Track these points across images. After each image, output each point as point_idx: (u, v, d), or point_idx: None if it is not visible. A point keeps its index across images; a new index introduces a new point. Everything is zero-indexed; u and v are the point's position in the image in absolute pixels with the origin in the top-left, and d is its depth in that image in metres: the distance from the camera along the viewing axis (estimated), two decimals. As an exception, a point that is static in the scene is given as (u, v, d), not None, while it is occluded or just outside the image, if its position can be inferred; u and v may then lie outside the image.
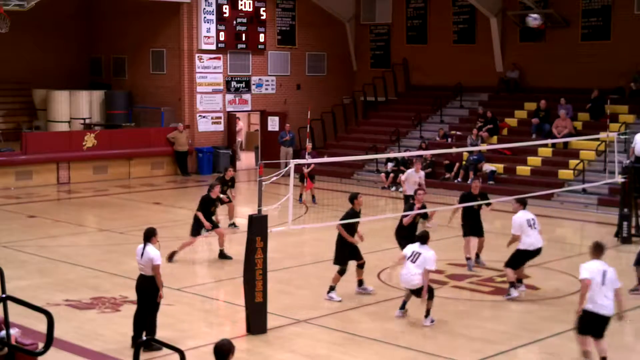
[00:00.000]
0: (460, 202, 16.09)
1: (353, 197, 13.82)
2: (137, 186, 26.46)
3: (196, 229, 16.30)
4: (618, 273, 15.63)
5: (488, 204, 16.16)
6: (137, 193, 25.24)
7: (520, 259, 13.86)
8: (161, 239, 16.68)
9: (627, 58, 26.34)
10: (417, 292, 12.46)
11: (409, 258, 12.45)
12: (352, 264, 13.87)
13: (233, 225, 19.21)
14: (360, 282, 13.96)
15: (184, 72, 29.04)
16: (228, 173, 19.17)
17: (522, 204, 14.00)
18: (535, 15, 19.95)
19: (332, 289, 13.66)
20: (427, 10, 31.43)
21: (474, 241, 15.96)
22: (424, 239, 12.61)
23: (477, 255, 16.15)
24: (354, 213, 13.68)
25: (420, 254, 12.38)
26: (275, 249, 15.97)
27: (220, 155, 29.20)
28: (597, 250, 10.52)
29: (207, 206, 16.48)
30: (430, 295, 12.39)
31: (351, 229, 13.65)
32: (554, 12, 27.74)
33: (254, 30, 30.16)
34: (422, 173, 19.81)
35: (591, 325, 10.27)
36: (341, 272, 13.65)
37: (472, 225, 15.87)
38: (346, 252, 13.64)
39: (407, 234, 14.39)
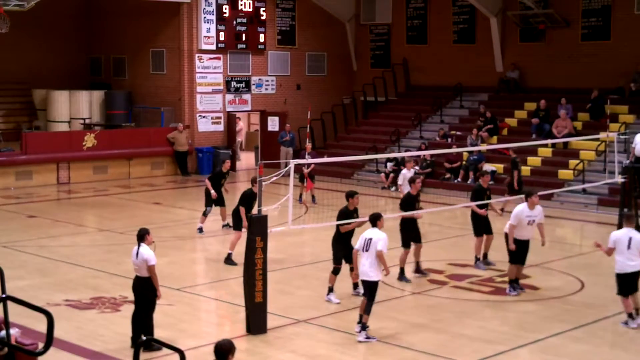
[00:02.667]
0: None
1: (349, 195, 13.75)
2: (137, 186, 26.46)
3: (238, 224, 16.09)
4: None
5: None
6: (137, 193, 25.24)
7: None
8: (162, 239, 16.80)
9: (627, 58, 26.33)
10: (368, 286, 11.71)
11: (362, 249, 11.69)
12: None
13: (227, 225, 19.03)
14: (356, 285, 13.83)
15: (184, 72, 29.04)
16: (225, 165, 19.03)
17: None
18: None
19: (330, 290, 13.64)
20: (427, 10, 31.43)
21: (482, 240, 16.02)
22: (374, 220, 11.88)
23: (485, 255, 16.19)
24: (348, 212, 13.61)
25: (370, 239, 11.62)
26: (275, 249, 15.96)
27: (220, 155, 29.18)
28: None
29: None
30: (368, 309, 11.62)
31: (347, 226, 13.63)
32: (554, 12, 27.74)
33: (254, 30, 30.16)
34: (413, 171, 19.42)
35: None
36: (335, 272, 13.60)
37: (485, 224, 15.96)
38: (340, 253, 13.59)
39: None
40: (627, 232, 12.26)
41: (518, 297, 13.93)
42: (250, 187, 15.99)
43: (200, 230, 18.82)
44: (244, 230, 16.19)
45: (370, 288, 11.64)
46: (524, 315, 13.04)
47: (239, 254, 15.49)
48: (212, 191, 18.38)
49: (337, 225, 13.54)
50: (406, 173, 19.22)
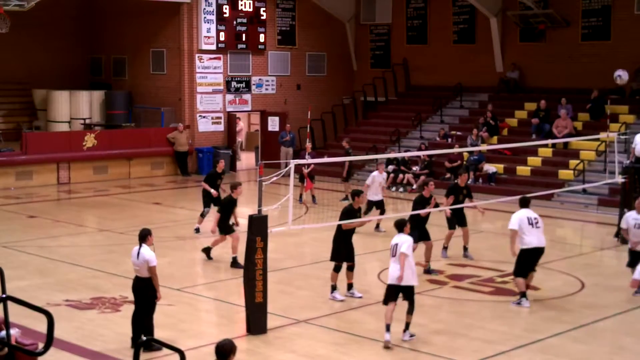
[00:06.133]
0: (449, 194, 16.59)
1: (355, 194, 13.77)
2: (137, 186, 26.45)
3: (222, 229, 16.08)
4: (619, 273, 15.65)
5: (471, 198, 16.82)
6: (137, 193, 25.24)
7: (520, 261, 13.41)
8: (162, 239, 16.81)
9: (627, 58, 26.30)
10: (405, 291, 11.64)
11: (391, 254, 11.67)
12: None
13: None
14: (350, 286, 13.84)
15: (184, 72, 29.03)
16: (219, 165, 19.07)
17: (521, 202, 13.67)
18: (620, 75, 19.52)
19: (333, 288, 13.65)
20: (427, 10, 31.43)
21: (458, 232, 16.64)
22: (400, 226, 11.91)
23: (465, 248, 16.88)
24: (352, 210, 13.57)
25: (397, 244, 11.60)
26: (275, 249, 15.96)
27: (221, 155, 29.17)
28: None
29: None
30: (411, 309, 11.69)
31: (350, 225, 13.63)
32: (554, 12, 27.74)
33: (254, 30, 30.16)
34: (385, 175, 19.60)
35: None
36: (337, 269, 13.60)
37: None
38: (343, 251, 13.58)
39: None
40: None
41: (518, 297, 13.93)
42: (229, 193, 16.06)
43: (197, 230, 18.84)
44: (237, 229, 16.32)
45: (411, 292, 11.64)
46: (524, 315, 13.04)
47: (239, 255, 15.50)
48: (212, 190, 18.42)
49: (339, 223, 13.54)
50: (376, 175, 19.25)
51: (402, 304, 11.62)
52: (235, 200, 16.08)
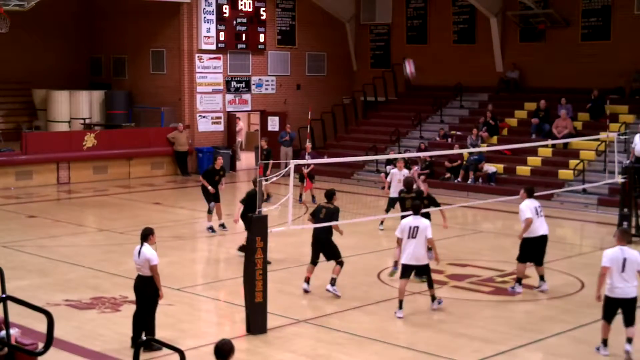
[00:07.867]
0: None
1: (333, 194, 14.11)
2: (137, 186, 26.45)
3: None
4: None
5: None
6: (137, 193, 25.24)
7: (525, 248, 13.95)
8: (162, 239, 16.77)
9: (627, 58, 26.33)
10: (422, 270, 12.89)
11: (408, 236, 12.58)
12: (328, 264, 13.84)
13: (222, 226, 18.98)
14: (308, 280, 14.06)
15: (184, 72, 29.03)
16: (218, 162, 19.05)
17: (527, 192, 14.06)
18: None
19: (334, 281, 13.78)
20: (427, 10, 31.43)
21: None
22: (417, 208, 12.85)
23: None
24: (338, 209, 13.93)
25: (417, 227, 12.56)
26: (275, 249, 15.97)
27: (220, 152, 29.14)
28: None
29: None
30: (430, 284, 12.94)
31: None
32: (554, 12, 27.75)
33: (254, 30, 30.16)
34: (405, 171, 19.52)
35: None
36: (342, 264, 13.79)
37: None
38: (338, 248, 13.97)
39: None
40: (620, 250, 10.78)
41: (518, 297, 13.94)
42: (253, 187, 15.99)
43: (212, 229, 18.72)
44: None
45: (426, 269, 12.87)
46: (524, 315, 13.05)
47: (239, 254, 15.51)
48: (209, 187, 18.53)
49: (332, 225, 13.68)
50: (396, 172, 19.27)
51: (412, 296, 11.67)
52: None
